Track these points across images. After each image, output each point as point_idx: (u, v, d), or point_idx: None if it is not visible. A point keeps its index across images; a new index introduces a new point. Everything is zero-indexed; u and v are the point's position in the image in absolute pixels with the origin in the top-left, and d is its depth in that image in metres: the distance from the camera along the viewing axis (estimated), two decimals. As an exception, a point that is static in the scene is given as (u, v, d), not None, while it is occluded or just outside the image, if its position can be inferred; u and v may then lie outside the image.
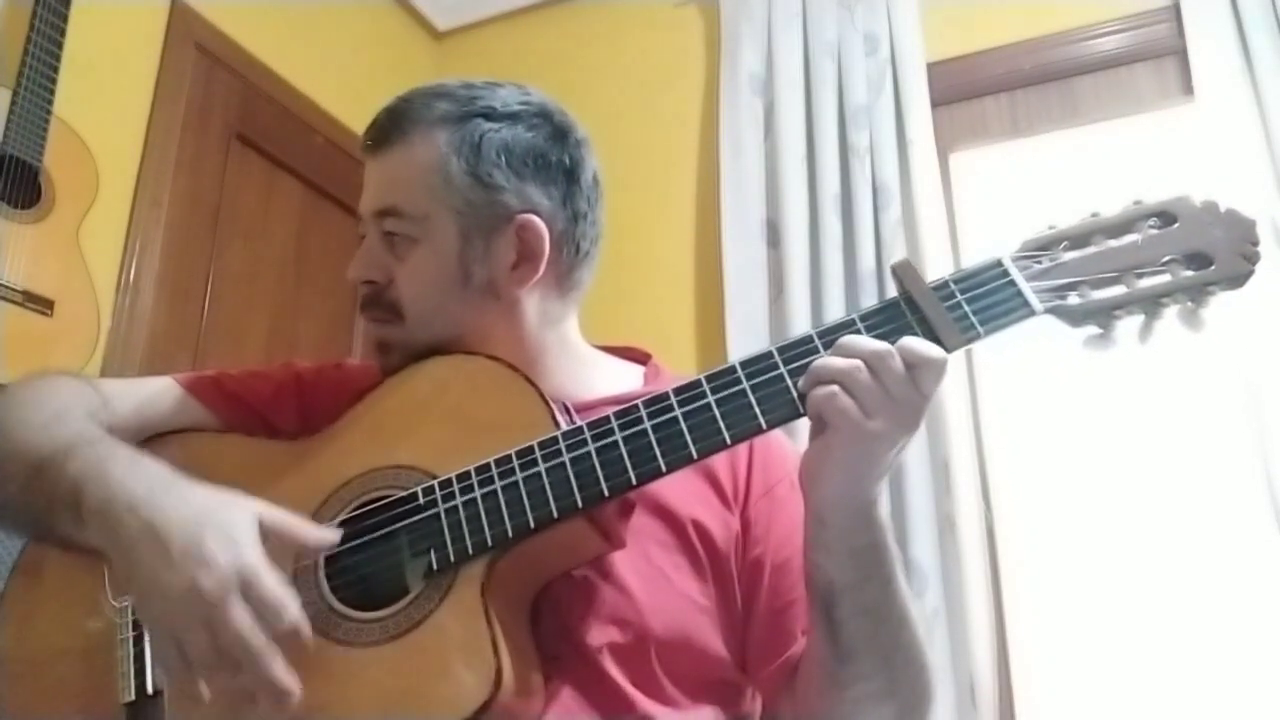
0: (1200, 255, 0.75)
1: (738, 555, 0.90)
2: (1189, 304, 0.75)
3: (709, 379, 0.78)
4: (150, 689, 0.82)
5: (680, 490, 0.89)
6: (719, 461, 0.92)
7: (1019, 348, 0.75)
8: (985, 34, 2.23)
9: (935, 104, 2.15)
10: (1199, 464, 1.88)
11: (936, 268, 2.02)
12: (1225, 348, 1.81)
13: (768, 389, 0.76)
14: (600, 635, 0.83)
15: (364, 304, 0.96)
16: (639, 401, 0.79)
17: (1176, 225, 0.77)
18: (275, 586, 0.72)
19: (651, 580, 0.86)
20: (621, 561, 0.85)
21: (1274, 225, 1.78)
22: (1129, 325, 0.76)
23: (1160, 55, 2.09)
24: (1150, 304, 0.75)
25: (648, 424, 0.77)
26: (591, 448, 0.78)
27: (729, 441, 0.76)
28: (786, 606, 0.89)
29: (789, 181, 2.15)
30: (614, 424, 0.78)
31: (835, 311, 2.05)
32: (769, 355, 0.77)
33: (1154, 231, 0.77)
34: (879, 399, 0.71)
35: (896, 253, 2.04)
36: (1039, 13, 2.18)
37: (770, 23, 2.30)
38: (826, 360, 0.74)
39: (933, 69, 2.18)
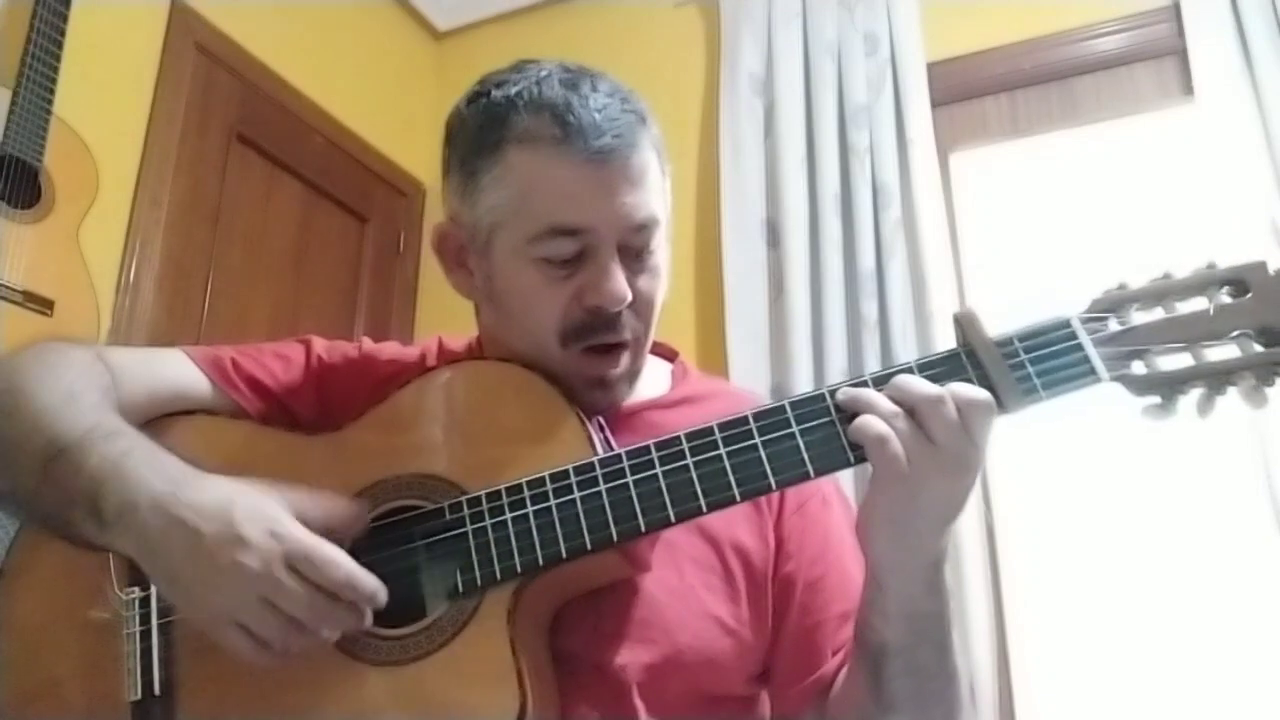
0: (1272, 331, 0.71)
1: (772, 571, 0.89)
2: (1254, 381, 0.71)
3: (756, 418, 0.75)
4: (156, 688, 0.80)
5: (722, 510, 0.88)
6: None
7: (1075, 411, 0.73)
8: (985, 34, 2.23)
9: (935, 104, 2.15)
10: (1199, 464, 1.88)
11: (937, 268, 2.02)
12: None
13: (818, 434, 0.73)
14: (625, 654, 0.80)
15: (611, 328, 0.84)
16: (681, 434, 0.76)
17: (1249, 296, 0.72)
18: (319, 545, 0.70)
19: (682, 598, 0.83)
20: (652, 578, 0.83)
21: (1274, 225, 1.78)
22: (1191, 397, 0.73)
23: (1160, 55, 2.09)
24: (1215, 380, 0.72)
25: (690, 460, 0.75)
26: (629, 479, 0.75)
27: (774, 487, 0.73)
28: (817, 625, 0.87)
29: (789, 181, 2.15)
30: (654, 455, 0.75)
31: (835, 311, 2.05)
32: (820, 398, 0.74)
33: (1226, 300, 0.73)
34: (920, 444, 0.69)
35: (897, 253, 2.05)
36: (1039, 13, 2.18)
37: (770, 23, 2.30)
38: (873, 397, 0.71)
39: (933, 69, 2.18)
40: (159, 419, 0.90)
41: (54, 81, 1.67)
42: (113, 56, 1.95)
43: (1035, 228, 2.12)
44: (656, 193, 0.86)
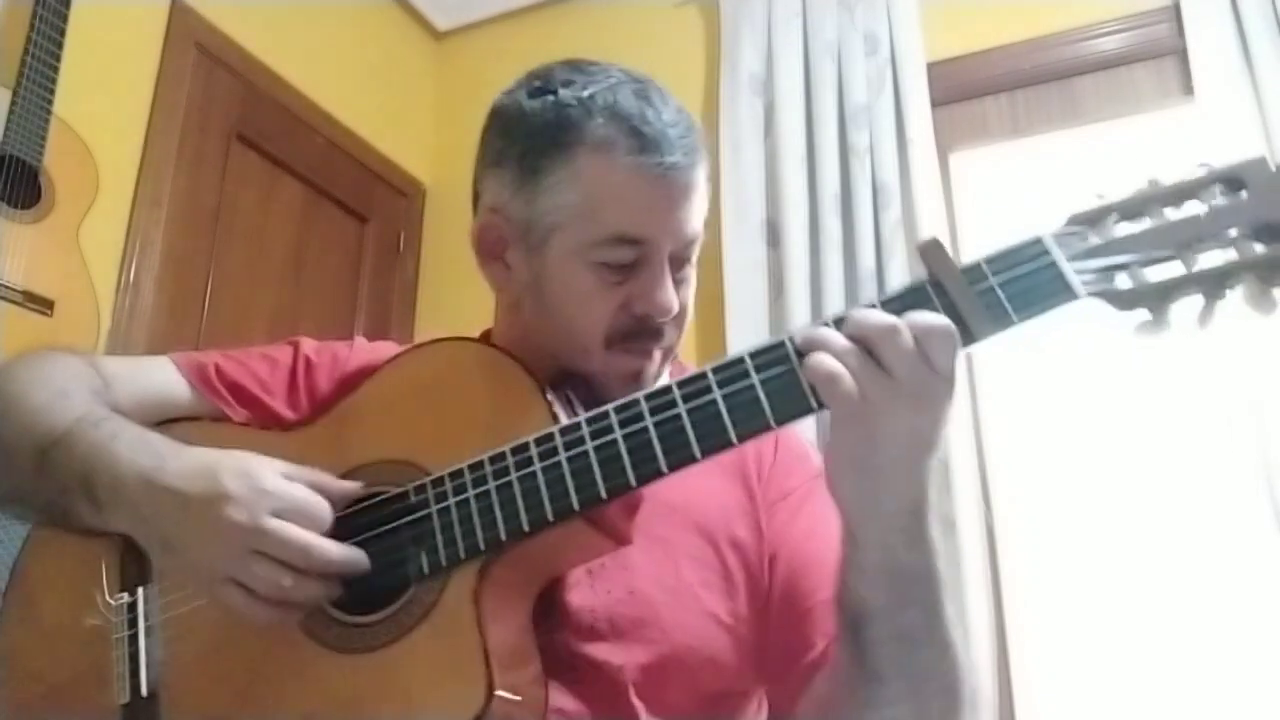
0: (1271, 227, 0.64)
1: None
2: (1259, 284, 0.64)
3: (715, 371, 0.71)
4: (144, 690, 0.81)
5: (718, 503, 0.87)
6: (749, 461, 0.91)
7: (1061, 331, 0.69)
8: (985, 34, 2.23)
9: (935, 104, 2.15)
10: (1199, 463, 1.88)
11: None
12: (1226, 347, 1.81)
13: (778, 382, 0.69)
14: (622, 653, 0.80)
15: (656, 335, 0.87)
16: (640, 395, 0.73)
17: (1245, 194, 0.66)
18: (302, 492, 0.73)
19: (679, 596, 0.83)
20: (650, 576, 0.83)
21: (1274, 225, 1.78)
22: (1185, 308, 0.66)
23: (1160, 55, 2.09)
24: (1212, 285, 0.65)
25: (649, 420, 0.72)
26: (589, 445, 0.73)
27: (735, 440, 0.70)
28: (806, 612, 0.85)
29: (789, 181, 2.15)
30: (613, 419, 0.73)
31: (835, 311, 2.04)
32: (780, 345, 0.70)
33: (1220, 201, 0.66)
34: (876, 378, 0.65)
35: (897, 253, 2.04)
36: (1039, 13, 2.18)
37: (770, 23, 2.30)
38: (826, 334, 0.67)
39: (933, 69, 2.18)
40: (155, 426, 0.91)
41: (54, 81, 1.67)
42: (113, 56, 1.95)
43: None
44: (702, 209, 0.88)
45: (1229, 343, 1.80)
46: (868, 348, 0.66)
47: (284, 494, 0.73)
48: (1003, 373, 2.08)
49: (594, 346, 0.85)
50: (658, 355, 0.88)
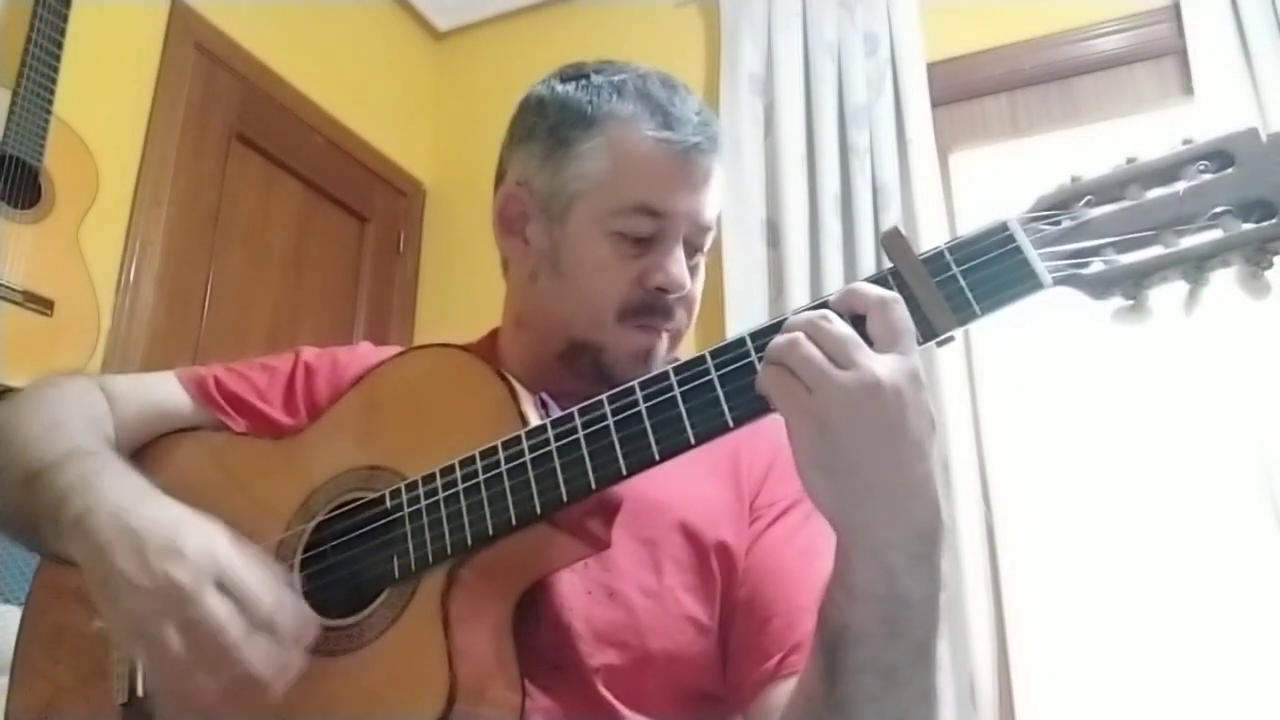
0: (1262, 204, 0.60)
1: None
2: (1247, 265, 0.60)
3: (677, 370, 0.70)
4: (140, 691, 0.82)
5: (707, 505, 0.87)
6: (741, 465, 0.90)
7: (1036, 322, 0.65)
8: (985, 34, 2.23)
9: (935, 104, 2.15)
10: (1199, 463, 1.88)
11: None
12: (1225, 345, 1.81)
13: (737, 381, 0.67)
14: (599, 656, 0.80)
15: (666, 313, 0.89)
16: (604, 396, 0.73)
17: (1233, 168, 0.62)
18: (252, 575, 0.69)
19: (659, 600, 0.82)
20: (631, 579, 0.82)
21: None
22: (1167, 294, 0.63)
23: (1160, 55, 2.09)
24: (1192, 267, 0.61)
25: (611, 421, 0.71)
26: (553, 447, 0.73)
27: (693, 442, 0.68)
28: (764, 621, 0.83)
29: (789, 181, 2.15)
30: (577, 421, 0.73)
31: (835, 311, 2.04)
32: (741, 342, 0.68)
33: (1205, 177, 0.62)
34: (820, 371, 0.61)
35: (896, 253, 2.04)
36: (1039, 13, 2.18)
37: (770, 23, 2.30)
38: (774, 339, 0.65)
39: (933, 69, 2.18)
40: (158, 439, 0.95)
41: (54, 81, 1.67)
42: (113, 56, 1.95)
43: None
44: (716, 202, 0.91)
45: (1229, 341, 1.79)
46: (814, 341, 0.63)
47: (233, 571, 0.68)
48: (1003, 372, 2.08)
49: (607, 318, 0.87)
50: (666, 336, 0.90)
